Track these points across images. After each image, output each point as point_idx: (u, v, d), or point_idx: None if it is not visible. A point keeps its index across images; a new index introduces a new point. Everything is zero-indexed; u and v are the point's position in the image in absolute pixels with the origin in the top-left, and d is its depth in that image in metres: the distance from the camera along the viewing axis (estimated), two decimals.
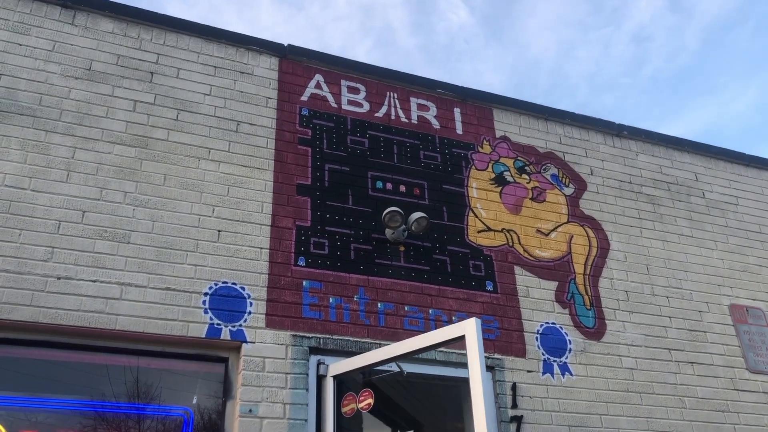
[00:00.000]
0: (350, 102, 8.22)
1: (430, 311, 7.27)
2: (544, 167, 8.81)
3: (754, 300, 9.07)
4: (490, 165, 8.51)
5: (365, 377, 6.70)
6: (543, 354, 7.50)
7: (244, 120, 7.52)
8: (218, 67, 7.70)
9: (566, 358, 7.60)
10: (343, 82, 8.31)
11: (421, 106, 8.58)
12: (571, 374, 7.52)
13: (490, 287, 7.66)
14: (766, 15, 34.33)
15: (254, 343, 6.43)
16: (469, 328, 5.64)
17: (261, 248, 6.90)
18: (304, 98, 7.98)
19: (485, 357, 7.05)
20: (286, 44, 8.12)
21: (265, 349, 6.45)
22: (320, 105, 8.01)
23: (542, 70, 47.58)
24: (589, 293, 8.12)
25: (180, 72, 7.51)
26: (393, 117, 8.34)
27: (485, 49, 48.02)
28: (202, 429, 6.29)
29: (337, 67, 8.35)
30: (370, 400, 6.29)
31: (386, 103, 8.42)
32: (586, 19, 40.61)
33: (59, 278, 6.03)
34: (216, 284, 6.56)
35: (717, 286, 8.94)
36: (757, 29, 36.42)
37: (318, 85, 8.15)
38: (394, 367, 6.52)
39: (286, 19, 47.28)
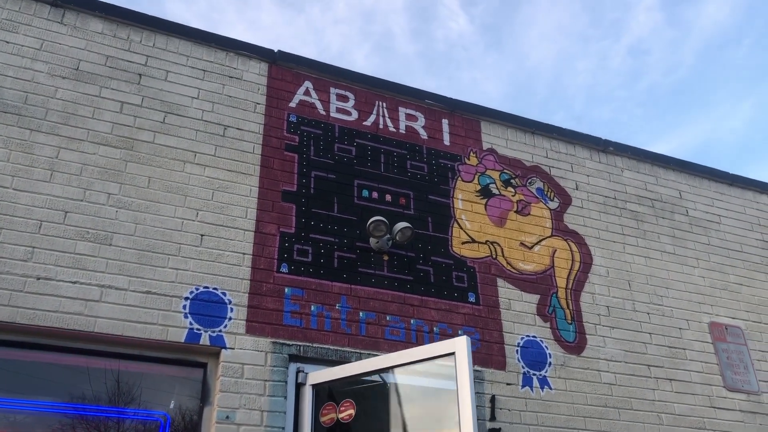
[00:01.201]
0: (339, 110, 8.11)
1: (412, 321, 7.16)
2: (529, 181, 8.73)
3: (733, 318, 9.00)
4: (476, 177, 8.43)
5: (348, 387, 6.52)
6: (523, 367, 7.41)
7: (232, 125, 7.41)
8: (207, 71, 7.58)
9: (546, 371, 7.51)
10: (332, 89, 8.20)
11: (409, 116, 8.48)
12: (551, 388, 7.43)
13: (472, 299, 7.56)
14: (762, 32, 34.39)
15: (233, 349, 6.31)
16: (460, 345, 5.62)
17: (244, 254, 6.78)
18: (292, 105, 7.86)
19: None
20: (276, 50, 8.03)
21: (245, 356, 6.33)
22: (308, 112, 7.90)
23: (540, 81, 47.49)
24: (571, 307, 8.03)
25: (169, 75, 7.39)
26: (381, 126, 8.24)
27: (484, 57, 47.89)
28: None
29: (327, 75, 8.25)
30: (351, 411, 6.17)
31: (375, 112, 8.32)
32: (585, 31, 40.57)
33: (39, 279, 5.90)
34: (197, 289, 6.43)
35: (697, 303, 8.86)
36: (753, 46, 36.52)
37: (307, 92, 8.03)
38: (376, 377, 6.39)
39: (286, 20, 47.07)
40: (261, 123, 7.58)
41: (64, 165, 6.49)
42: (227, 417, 6.03)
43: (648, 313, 8.44)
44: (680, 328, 8.54)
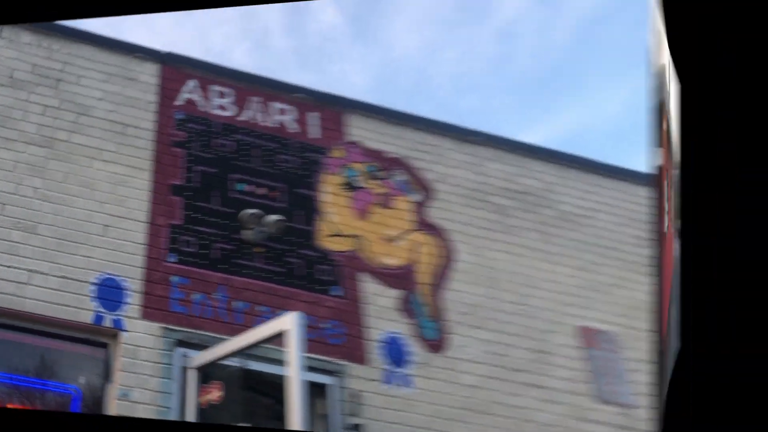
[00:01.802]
0: (219, 106, 13.91)
1: (281, 313, 11.67)
2: (393, 173, 14.19)
3: (605, 323, 13.95)
4: (342, 169, 13.98)
5: (219, 371, 11.43)
6: (385, 363, 12.09)
7: (131, 123, 13.05)
8: (111, 74, 13.44)
9: (407, 369, 12.13)
10: (213, 87, 14.01)
11: (281, 110, 14.29)
12: (413, 386, 12.03)
13: (336, 292, 12.70)
14: (640, 11, 43.43)
15: (130, 332, 11.23)
16: (288, 324, 8.86)
17: (139, 244, 12.26)
18: (179, 102, 13.63)
19: (332, 362, 12.13)
20: (164, 51, 14.00)
21: (139, 339, 11.25)
22: (193, 109, 13.59)
23: (406, 71, 55.71)
24: (433, 304, 12.94)
25: (81, 79, 13.29)
26: (255, 121, 13.96)
27: (351, 49, 55.73)
28: (87, 407, 11.20)
29: (208, 73, 14.22)
30: (220, 393, 10.62)
31: (250, 107, 14.16)
32: (451, 17, 48.96)
33: None
34: (102, 276, 11.66)
35: (566, 305, 13.70)
36: (630, 26, 45.01)
37: (192, 90, 13.92)
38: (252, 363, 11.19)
39: (178, 23, 54.11)
40: (154, 121, 13.19)
41: (1, 162, 12.02)
42: (125, 395, 10.64)
43: (513, 314, 13.25)
44: (547, 331, 13.34)
